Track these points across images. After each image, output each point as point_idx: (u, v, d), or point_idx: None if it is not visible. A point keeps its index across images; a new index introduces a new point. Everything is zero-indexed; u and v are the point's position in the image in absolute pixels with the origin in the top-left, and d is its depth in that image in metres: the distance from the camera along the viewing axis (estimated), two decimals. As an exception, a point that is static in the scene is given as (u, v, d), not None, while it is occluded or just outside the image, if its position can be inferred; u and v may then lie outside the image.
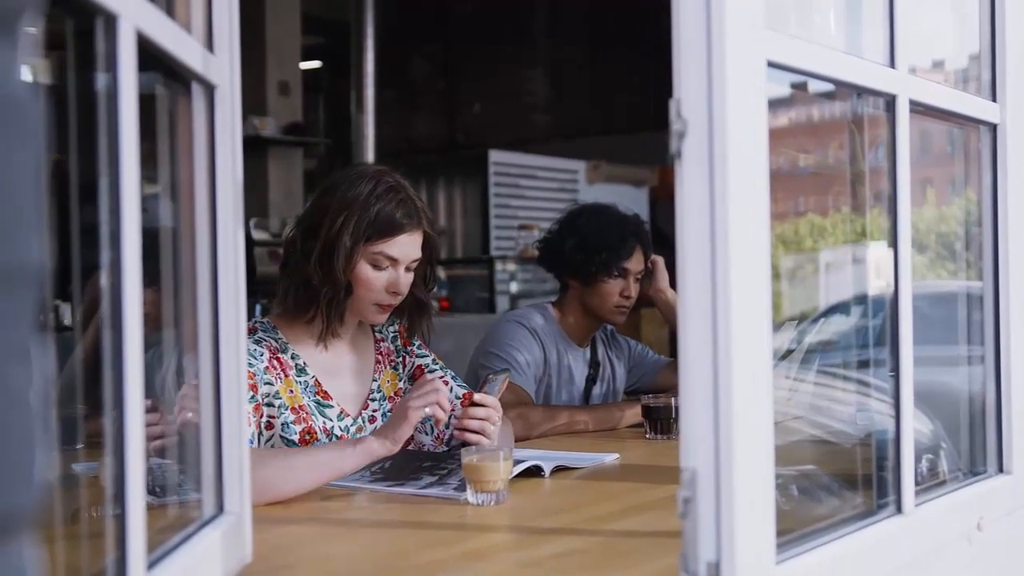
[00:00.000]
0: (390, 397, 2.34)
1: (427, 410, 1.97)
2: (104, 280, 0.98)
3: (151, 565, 1.07)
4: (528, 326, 2.98)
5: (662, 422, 2.64)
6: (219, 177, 1.34)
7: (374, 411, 2.30)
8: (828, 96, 1.77)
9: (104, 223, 0.97)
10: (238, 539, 1.38)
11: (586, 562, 1.54)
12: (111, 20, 0.96)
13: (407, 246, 2.20)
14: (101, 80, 0.98)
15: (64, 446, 1.21)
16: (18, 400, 0.51)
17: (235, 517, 1.36)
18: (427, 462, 2.15)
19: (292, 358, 2.21)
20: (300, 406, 2.17)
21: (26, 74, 0.53)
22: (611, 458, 2.34)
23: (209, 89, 1.32)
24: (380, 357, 2.36)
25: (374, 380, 2.33)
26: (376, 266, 2.18)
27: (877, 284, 1.94)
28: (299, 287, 2.19)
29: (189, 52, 1.22)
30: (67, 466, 1.30)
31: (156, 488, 1.33)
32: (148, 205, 1.04)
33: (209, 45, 1.32)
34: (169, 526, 1.29)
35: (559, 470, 2.18)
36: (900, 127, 1.52)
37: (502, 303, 7.24)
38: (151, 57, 1.08)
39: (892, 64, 1.52)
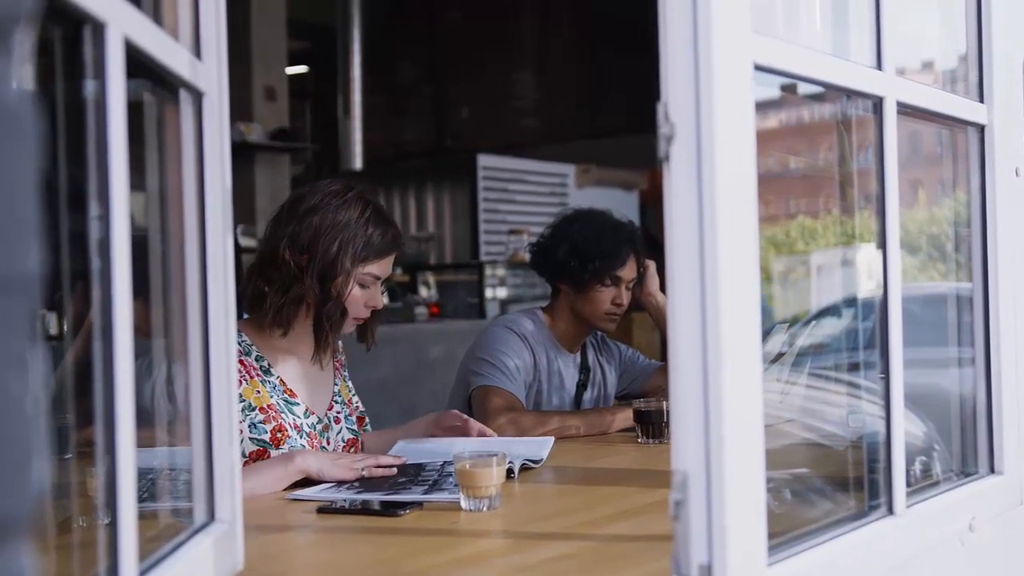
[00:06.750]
0: (347, 402, 2.46)
1: (364, 472, 2.12)
2: (94, 288, 0.98)
3: (142, 573, 1.06)
4: (518, 331, 2.97)
5: (654, 426, 2.64)
6: (208, 185, 1.34)
7: (337, 413, 2.42)
8: (818, 98, 1.78)
9: (93, 231, 0.97)
10: (229, 547, 1.37)
11: (579, 566, 1.54)
12: (99, 27, 0.96)
13: (390, 265, 2.34)
14: (89, 87, 0.98)
15: (54, 456, 1.20)
16: (16, 407, 0.51)
17: (226, 525, 1.36)
18: (406, 475, 2.13)
19: (256, 360, 2.28)
20: (268, 405, 2.25)
21: (21, 83, 0.53)
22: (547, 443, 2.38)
23: (197, 96, 1.31)
24: (338, 366, 2.48)
25: (335, 385, 2.44)
26: (362, 285, 2.29)
27: (868, 286, 1.95)
28: (292, 304, 2.25)
29: (177, 59, 1.22)
30: (62, 475, 1.29)
31: (144, 495, 1.32)
32: (135, 213, 1.04)
33: (197, 52, 1.32)
34: (159, 534, 1.28)
35: (526, 469, 2.22)
36: (888, 129, 1.52)
37: (492, 308, 7.23)
38: (138, 64, 1.08)
39: (879, 66, 1.52)
